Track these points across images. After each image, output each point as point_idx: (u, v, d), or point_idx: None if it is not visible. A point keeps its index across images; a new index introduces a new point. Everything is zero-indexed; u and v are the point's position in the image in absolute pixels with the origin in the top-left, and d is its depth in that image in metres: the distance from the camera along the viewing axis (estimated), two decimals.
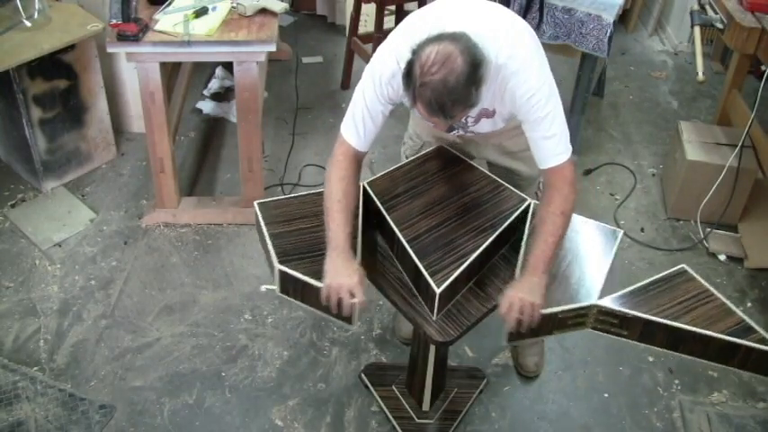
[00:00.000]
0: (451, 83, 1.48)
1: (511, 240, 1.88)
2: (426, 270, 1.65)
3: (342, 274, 1.63)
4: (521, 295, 1.60)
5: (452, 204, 1.86)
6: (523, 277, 1.66)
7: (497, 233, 1.77)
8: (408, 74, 1.53)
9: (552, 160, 1.70)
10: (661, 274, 1.75)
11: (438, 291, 1.61)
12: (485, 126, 1.86)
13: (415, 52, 1.53)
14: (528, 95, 1.64)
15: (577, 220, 1.88)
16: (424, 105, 1.53)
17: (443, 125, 1.73)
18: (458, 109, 1.54)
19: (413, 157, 2.03)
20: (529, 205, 1.87)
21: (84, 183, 3.08)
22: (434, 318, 1.67)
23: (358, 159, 1.79)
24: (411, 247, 1.70)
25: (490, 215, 1.83)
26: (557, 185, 1.69)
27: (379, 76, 1.69)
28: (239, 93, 2.61)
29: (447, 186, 1.92)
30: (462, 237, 1.76)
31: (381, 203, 1.83)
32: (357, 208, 1.78)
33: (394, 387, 2.24)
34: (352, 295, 1.61)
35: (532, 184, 2.10)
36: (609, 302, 1.67)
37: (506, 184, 1.93)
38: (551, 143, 1.68)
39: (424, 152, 2.05)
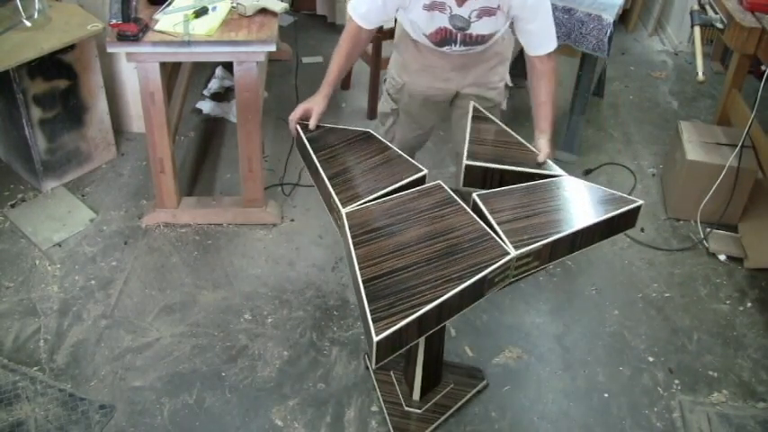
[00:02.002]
0: None
1: (486, 294, 1.72)
2: (371, 314, 1.55)
3: (306, 102, 2.14)
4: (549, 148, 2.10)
5: (428, 248, 1.72)
6: (545, 136, 2.13)
7: (462, 287, 1.61)
8: None
9: (544, 48, 2.10)
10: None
11: (375, 339, 1.50)
12: (486, 25, 2.07)
13: None
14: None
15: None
16: None
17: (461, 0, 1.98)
18: None
19: (404, 192, 1.90)
20: (511, 260, 1.70)
21: (84, 183, 3.08)
22: (373, 367, 1.62)
23: (362, 37, 2.17)
24: (365, 288, 1.60)
25: (463, 265, 1.67)
26: (548, 74, 2.13)
27: None
28: (239, 93, 2.61)
29: (429, 228, 1.78)
30: (424, 285, 1.62)
31: (352, 237, 1.74)
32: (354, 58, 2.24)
33: (392, 373, 2.28)
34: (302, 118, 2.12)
35: (497, 109, 2.43)
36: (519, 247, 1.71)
37: (492, 234, 1.76)
38: (547, 33, 2.08)
39: (419, 187, 1.92)
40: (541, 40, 2.09)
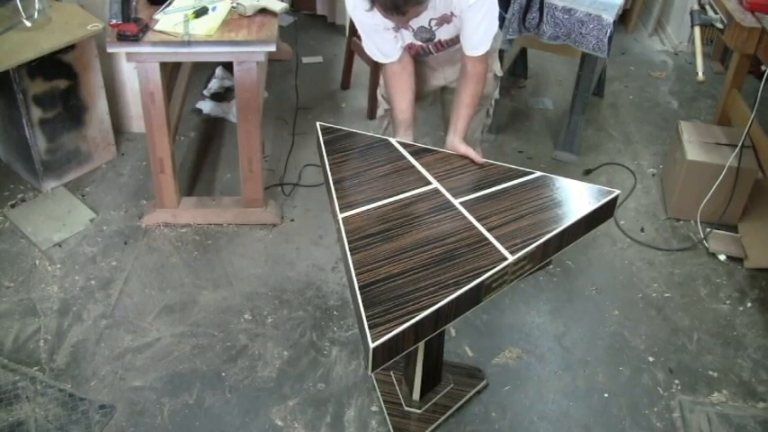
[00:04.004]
0: None
1: (484, 300, 1.71)
2: (368, 320, 1.54)
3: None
4: (465, 147, 2.10)
5: (424, 253, 1.71)
6: (460, 138, 2.13)
7: (459, 293, 1.61)
8: None
9: (476, 50, 2.10)
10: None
11: (372, 345, 1.49)
12: (449, 31, 2.12)
13: None
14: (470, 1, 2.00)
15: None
16: (380, 4, 1.81)
17: (402, 22, 1.99)
18: (410, 5, 1.81)
19: (401, 197, 1.90)
20: (508, 265, 1.70)
21: (84, 183, 3.08)
22: (369, 372, 1.61)
23: (398, 65, 2.21)
24: (361, 294, 1.60)
25: (459, 271, 1.66)
26: (475, 77, 2.14)
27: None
28: (239, 93, 2.61)
29: (426, 233, 1.77)
30: (421, 291, 1.61)
31: (348, 242, 1.73)
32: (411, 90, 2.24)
33: (392, 373, 2.28)
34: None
35: (486, 103, 2.47)
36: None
37: (491, 238, 1.75)
38: (481, 36, 2.07)
39: (416, 192, 1.92)
40: (474, 41, 2.10)
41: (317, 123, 2.13)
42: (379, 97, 2.54)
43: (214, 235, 2.86)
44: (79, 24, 2.81)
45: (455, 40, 2.19)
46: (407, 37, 2.16)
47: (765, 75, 2.68)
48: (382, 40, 2.14)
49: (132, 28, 2.37)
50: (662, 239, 2.95)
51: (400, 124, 2.22)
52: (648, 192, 3.21)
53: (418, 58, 2.29)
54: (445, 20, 2.08)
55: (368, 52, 2.22)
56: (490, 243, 1.74)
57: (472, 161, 2.05)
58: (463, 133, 2.14)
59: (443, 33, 2.14)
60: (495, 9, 2.07)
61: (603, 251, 2.87)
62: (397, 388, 2.24)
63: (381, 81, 2.45)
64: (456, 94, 2.20)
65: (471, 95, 2.16)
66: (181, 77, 3.23)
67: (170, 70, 2.92)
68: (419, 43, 2.18)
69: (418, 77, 2.33)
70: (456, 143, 2.10)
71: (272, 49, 2.48)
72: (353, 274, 1.65)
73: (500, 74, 2.47)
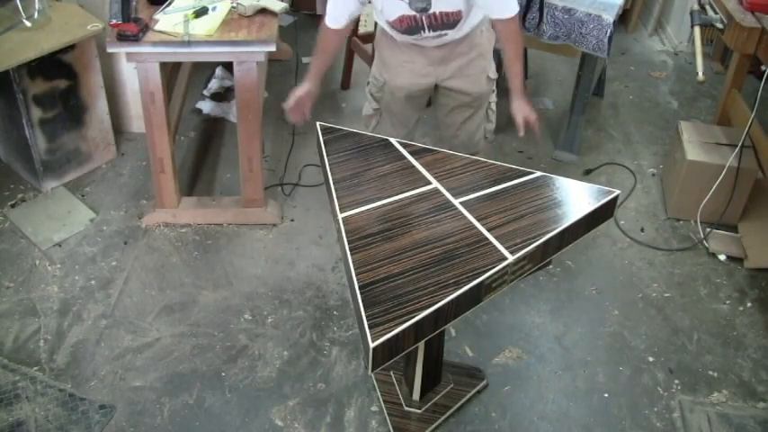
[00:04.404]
0: None
1: (484, 300, 1.71)
2: (368, 320, 1.54)
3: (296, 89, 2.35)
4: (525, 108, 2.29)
5: (424, 253, 1.71)
6: (518, 96, 2.30)
7: (459, 293, 1.61)
8: None
9: (508, 11, 2.16)
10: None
11: (372, 345, 1.50)
12: (448, 3, 2.11)
13: None
14: None
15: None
16: None
17: None
18: None
19: (401, 197, 1.89)
20: (508, 265, 1.70)
21: (84, 183, 3.08)
22: (369, 372, 1.61)
23: (331, 38, 2.29)
24: (361, 293, 1.60)
25: (459, 271, 1.66)
26: (512, 35, 2.23)
27: None
28: (239, 93, 2.61)
29: (426, 233, 1.77)
30: (421, 290, 1.61)
31: (348, 242, 1.73)
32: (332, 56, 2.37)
33: (392, 373, 2.28)
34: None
35: (483, 105, 2.48)
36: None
37: (491, 238, 1.75)
38: None
39: (416, 191, 1.91)
40: (503, 3, 2.16)
41: (317, 123, 2.13)
42: (368, 95, 2.54)
43: (214, 235, 2.86)
44: (79, 24, 2.81)
45: (452, 17, 2.15)
46: (401, 8, 2.12)
47: (765, 75, 2.68)
48: (344, 3, 2.20)
49: (132, 28, 2.37)
50: (662, 239, 2.95)
51: (309, 72, 2.35)
52: (648, 192, 3.21)
53: (409, 35, 2.23)
54: None
55: (327, 10, 2.25)
56: (490, 243, 1.74)
57: (528, 123, 2.26)
58: (521, 89, 2.30)
59: (440, 4, 2.11)
60: None
61: (603, 251, 2.87)
62: (397, 388, 2.25)
63: (373, 64, 2.49)
64: (502, 57, 2.32)
65: (514, 51, 2.27)
66: (181, 77, 3.23)
67: (170, 70, 2.92)
68: (412, 13, 2.13)
69: (411, 73, 2.35)
70: (522, 104, 2.27)
71: (272, 49, 2.48)
72: (353, 274, 1.65)
73: (494, 76, 2.44)
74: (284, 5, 2.60)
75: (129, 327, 2.46)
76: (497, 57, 2.46)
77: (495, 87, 2.50)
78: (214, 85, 3.73)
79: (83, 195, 3.02)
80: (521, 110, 2.28)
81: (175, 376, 2.31)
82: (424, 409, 2.20)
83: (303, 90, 2.32)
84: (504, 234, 1.76)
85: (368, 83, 2.53)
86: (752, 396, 2.33)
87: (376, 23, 2.43)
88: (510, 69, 2.30)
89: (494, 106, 2.55)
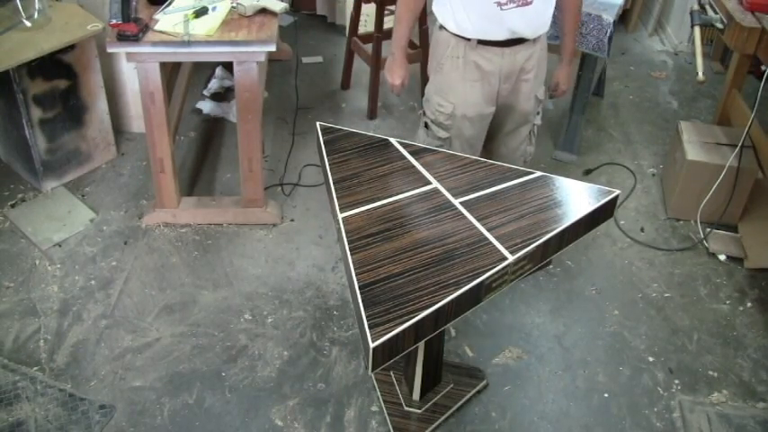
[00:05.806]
0: None
1: (484, 300, 1.71)
2: (368, 320, 1.54)
3: (389, 70, 2.39)
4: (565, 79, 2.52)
5: (424, 253, 1.71)
6: (565, 66, 2.50)
7: (459, 293, 1.61)
8: None
9: None
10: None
11: (372, 345, 1.50)
12: None
13: None
14: None
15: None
16: None
17: None
18: None
19: (401, 197, 1.88)
20: (508, 265, 1.70)
21: (84, 183, 3.08)
22: (369, 372, 1.61)
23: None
24: (361, 293, 1.60)
25: (459, 271, 1.66)
26: (574, 6, 2.40)
27: None
28: (239, 93, 2.61)
29: (426, 233, 1.77)
30: (421, 290, 1.61)
31: (348, 242, 1.73)
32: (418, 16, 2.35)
33: (392, 373, 2.28)
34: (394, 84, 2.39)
35: (526, 123, 2.44)
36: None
37: (491, 238, 1.75)
38: None
39: (415, 191, 1.91)
40: None
41: (317, 123, 2.12)
42: (431, 126, 2.38)
43: (214, 235, 2.86)
44: (79, 24, 2.81)
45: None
46: None
47: (765, 75, 2.68)
48: None
49: (132, 28, 2.37)
50: (662, 239, 2.95)
51: (397, 44, 2.34)
52: (648, 192, 3.21)
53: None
54: None
55: None
56: (490, 243, 1.74)
57: (558, 92, 2.49)
58: (569, 61, 2.49)
59: None
60: None
61: (603, 251, 2.87)
62: (397, 388, 2.25)
63: (428, 92, 2.37)
64: (562, 27, 2.46)
65: (572, 22, 2.44)
66: (181, 77, 3.23)
67: (170, 70, 2.92)
68: None
69: (480, 93, 2.26)
70: (568, 74, 2.49)
71: (272, 49, 2.48)
72: (353, 274, 1.65)
73: (542, 97, 2.39)
74: (284, 5, 2.60)
75: (129, 327, 2.46)
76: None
77: (540, 110, 2.43)
78: (214, 85, 3.73)
79: (83, 195, 3.02)
80: (565, 80, 2.49)
81: (175, 376, 2.31)
82: (424, 409, 2.20)
83: (405, 70, 2.37)
84: (504, 234, 1.76)
85: (422, 113, 2.41)
86: (752, 396, 2.33)
87: (430, 46, 2.38)
88: (568, 35, 2.45)
89: (536, 130, 2.48)
